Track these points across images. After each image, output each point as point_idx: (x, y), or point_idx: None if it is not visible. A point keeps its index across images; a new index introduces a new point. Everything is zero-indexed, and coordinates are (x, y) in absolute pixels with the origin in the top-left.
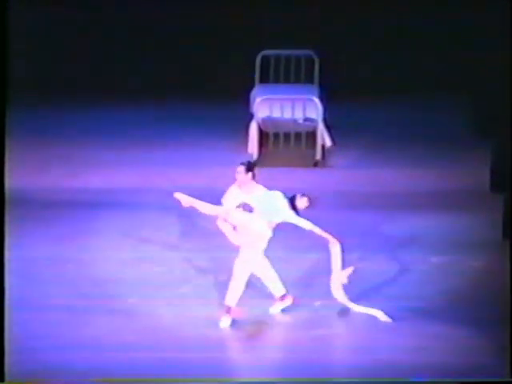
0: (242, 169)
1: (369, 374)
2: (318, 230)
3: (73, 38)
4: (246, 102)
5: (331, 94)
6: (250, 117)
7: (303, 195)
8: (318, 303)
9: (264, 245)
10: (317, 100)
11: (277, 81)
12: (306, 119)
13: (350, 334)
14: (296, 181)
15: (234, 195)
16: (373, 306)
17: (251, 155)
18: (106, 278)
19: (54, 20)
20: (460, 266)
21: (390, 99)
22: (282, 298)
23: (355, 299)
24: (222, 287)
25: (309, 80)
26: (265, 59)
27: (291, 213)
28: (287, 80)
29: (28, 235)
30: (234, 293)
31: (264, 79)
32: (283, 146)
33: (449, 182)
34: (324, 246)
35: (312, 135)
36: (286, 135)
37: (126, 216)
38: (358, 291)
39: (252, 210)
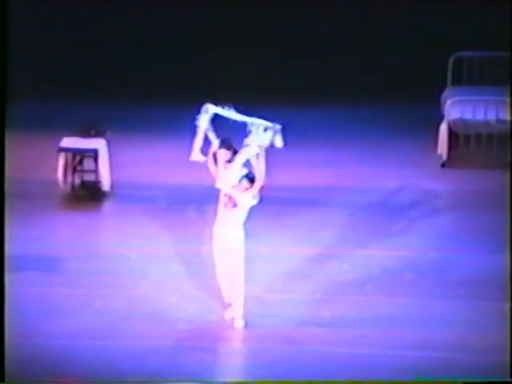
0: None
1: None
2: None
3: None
4: (437, 104)
5: None
6: (441, 118)
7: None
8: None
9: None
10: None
11: (469, 82)
12: (499, 120)
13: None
14: (487, 182)
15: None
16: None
17: (440, 156)
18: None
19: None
20: None
21: None
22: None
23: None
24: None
25: (502, 81)
26: (457, 61)
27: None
28: (480, 82)
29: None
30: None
31: (456, 81)
32: (474, 148)
33: None
34: None
35: (504, 136)
36: (477, 136)
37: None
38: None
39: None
